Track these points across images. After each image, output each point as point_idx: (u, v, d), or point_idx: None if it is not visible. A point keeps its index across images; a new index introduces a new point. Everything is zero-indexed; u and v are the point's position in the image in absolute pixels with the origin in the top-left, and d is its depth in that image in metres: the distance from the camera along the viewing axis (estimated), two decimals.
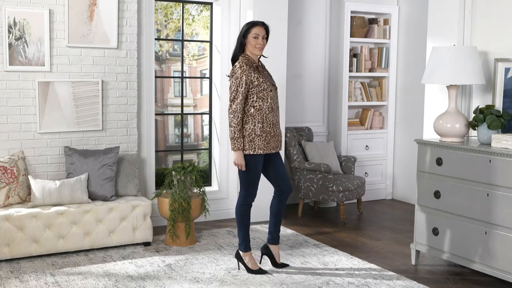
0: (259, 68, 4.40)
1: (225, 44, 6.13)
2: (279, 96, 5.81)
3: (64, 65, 5.25)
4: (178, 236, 5.17)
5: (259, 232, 5.68)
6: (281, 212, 4.59)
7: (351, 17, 6.94)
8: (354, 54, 7.04)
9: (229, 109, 4.35)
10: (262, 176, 4.55)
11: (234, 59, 4.45)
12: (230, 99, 4.34)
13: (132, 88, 5.56)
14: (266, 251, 4.66)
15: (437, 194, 4.60)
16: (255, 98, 4.33)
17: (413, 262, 4.86)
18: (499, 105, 4.64)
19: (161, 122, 6.31)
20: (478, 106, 4.61)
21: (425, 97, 5.38)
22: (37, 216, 4.71)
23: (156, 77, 5.94)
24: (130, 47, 5.51)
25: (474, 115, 4.55)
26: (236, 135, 4.32)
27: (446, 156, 4.53)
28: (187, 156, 6.41)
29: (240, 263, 4.58)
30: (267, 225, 5.82)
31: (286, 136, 6.39)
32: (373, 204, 7.07)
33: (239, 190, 4.54)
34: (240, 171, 4.43)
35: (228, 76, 4.43)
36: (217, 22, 6.15)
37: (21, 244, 4.66)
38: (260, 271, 4.50)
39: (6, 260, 4.69)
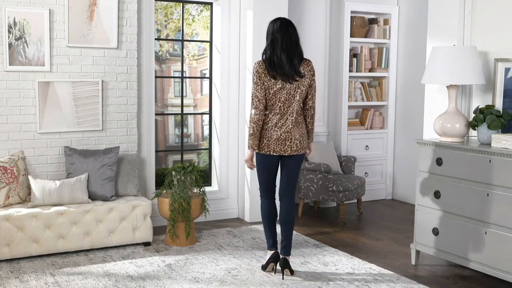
0: None
1: (225, 44, 6.13)
2: None
3: (64, 65, 5.25)
4: (178, 236, 5.18)
5: (259, 232, 5.68)
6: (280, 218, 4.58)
7: (351, 17, 6.94)
8: (354, 54, 7.04)
9: (315, 106, 4.45)
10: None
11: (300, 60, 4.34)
12: (315, 96, 4.44)
13: (132, 88, 5.56)
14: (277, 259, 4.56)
15: (437, 194, 4.60)
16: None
17: (413, 262, 4.86)
18: (499, 105, 4.64)
19: (161, 122, 6.31)
20: (478, 106, 4.61)
21: (425, 97, 5.38)
22: (37, 216, 4.71)
23: (156, 77, 5.94)
24: (130, 47, 5.51)
25: (474, 115, 4.55)
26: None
27: (446, 156, 4.53)
28: (187, 156, 6.41)
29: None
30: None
31: None
32: (373, 204, 7.07)
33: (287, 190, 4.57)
34: (298, 170, 4.50)
35: (306, 72, 4.33)
36: (217, 22, 6.15)
37: (21, 244, 4.66)
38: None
39: (6, 260, 4.69)
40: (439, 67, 4.59)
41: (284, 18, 4.37)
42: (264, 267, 4.55)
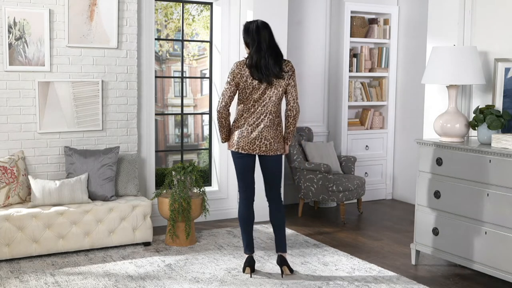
0: None
1: (225, 44, 6.13)
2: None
3: (64, 65, 5.25)
4: (178, 236, 5.17)
5: (259, 232, 5.67)
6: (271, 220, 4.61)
7: (351, 17, 6.94)
8: (354, 54, 7.04)
9: (297, 107, 4.40)
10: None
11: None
12: (296, 96, 4.39)
13: (132, 88, 5.56)
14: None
15: (437, 194, 4.60)
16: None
17: (413, 262, 4.86)
18: (499, 105, 4.64)
19: (161, 122, 6.31)
20: (478, 106, 4.61)
21: (425, 97, 5.38)
22: (37, 216, 4.71)
23: (156, 77, 5.94)
24: (130, 47, 5.50)
25: (474, 115, 4.55)
26: None
27: (446, 156, 4.53)
28: (187, 156, 6.41)
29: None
30: (267, 225, 5.84)
31: None
32: (373, 204, 7.07)
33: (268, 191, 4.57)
34: (277, 171, 4.49)
35: (286, 72, 4.35)
36: (217, 22, 6.15)
37: (21, 244, 4.66)
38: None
39: (6, 260, 4.69)
40: (439, 67, 4.59)
41: (261, 21, 4.39)
42: (243, 270, 4.56)
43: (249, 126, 4.36)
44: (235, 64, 4.36)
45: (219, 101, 4.39)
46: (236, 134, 4.40)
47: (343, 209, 6.16)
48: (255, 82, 4.30)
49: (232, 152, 4.45)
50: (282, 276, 4.43)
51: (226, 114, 4.38)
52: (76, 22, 5.24)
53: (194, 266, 4.68)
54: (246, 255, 4.53)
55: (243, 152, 4.37)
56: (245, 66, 4.33)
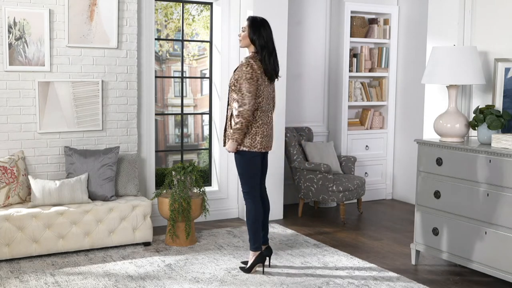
0: None
1: (225, 44, 6.13)
2: (278, 95, 5.83)
3: (64, 65, 5.25)
4: (178, 236, 5.18)
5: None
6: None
7: (351, 17, 6.94)
8: (354, 54, 7.04)
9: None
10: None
11: None
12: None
13: (132, 88, 5.56)
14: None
15: (437, 194, 4.60)
16: None
17: (413, 262, 4.86)
18: (499, 105, 4.64)
19: (161, 122, 6.31)
20: (478, 106, 4.61)
21: (425, 97, 5.38)
22: (37, 216, 4.71)
23: (156, 77, 5.94)
24: (130, 47, 5.50)
25: (474, 115, 4.55)
26: None
27: (446, 156, 4.53)
28: (187, 156, 6.41)
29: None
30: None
31: (286, 136, 6.39)
32: (373, 204, 7.07)
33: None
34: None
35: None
36: (217, 22, 6.15)
37: (21, 244, 4.66)
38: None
39: (6, 260, 4.69)
40: (439, 67, 4.59)
41: (263, 19, 4.45)
42: (248, 270, 4.52)
43: (265, 125, 4.43)
44: (251, 60, 4.32)
45: (245, 102, 4.23)
46: (258, 134, 4.39)
47: (343, 209, 6.16)
48: (266, 79, 4.39)
49: (251, 153, 4.39)
50: (269, 266, 4.62)
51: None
52: (76, 22, 5.24)
53: (194, 266, 4.68)
54: (257, 252, 4.50)
55: (264, 151, 4.47)
56: (258, 61, 4.36)
